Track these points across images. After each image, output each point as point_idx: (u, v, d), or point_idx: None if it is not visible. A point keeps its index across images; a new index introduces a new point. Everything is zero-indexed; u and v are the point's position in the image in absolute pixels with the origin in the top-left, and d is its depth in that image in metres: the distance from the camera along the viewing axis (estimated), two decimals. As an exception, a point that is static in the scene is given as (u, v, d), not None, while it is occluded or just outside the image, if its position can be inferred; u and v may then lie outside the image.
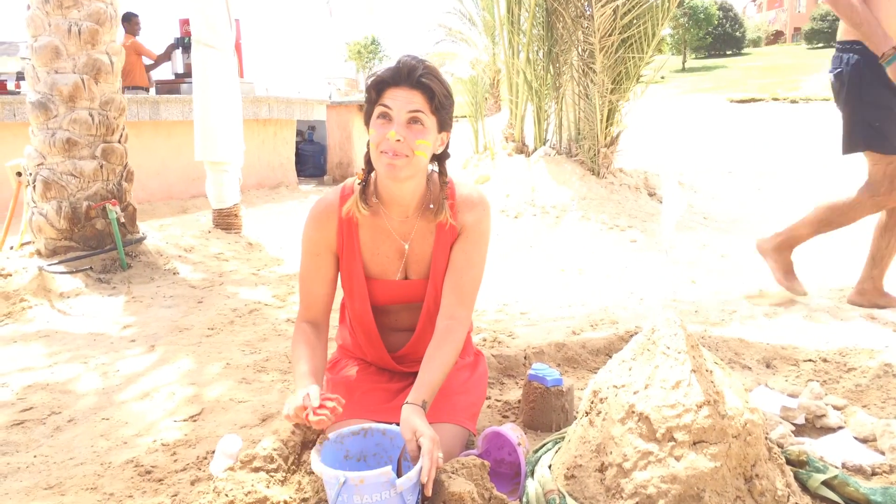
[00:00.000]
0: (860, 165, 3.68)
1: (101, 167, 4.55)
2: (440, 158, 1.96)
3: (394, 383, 2.13)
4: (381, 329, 2.10)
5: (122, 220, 4.63)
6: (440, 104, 1.82)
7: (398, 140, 1.77)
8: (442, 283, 1.99)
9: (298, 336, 1.98)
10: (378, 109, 1.81)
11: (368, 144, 1.88)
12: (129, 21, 9.62)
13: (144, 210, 7.15)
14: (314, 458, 1.59)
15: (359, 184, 1.93)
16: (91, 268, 4.37)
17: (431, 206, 1.97)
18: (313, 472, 1.94)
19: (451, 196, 1.98)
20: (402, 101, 1.78)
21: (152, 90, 9.63)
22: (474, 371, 2.19)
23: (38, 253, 4.52)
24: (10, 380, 2.88)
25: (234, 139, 5.95)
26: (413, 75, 1.78)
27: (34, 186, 4.48)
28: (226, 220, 6.11)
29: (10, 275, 4.21)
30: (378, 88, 1.81)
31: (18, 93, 8.33)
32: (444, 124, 1.87)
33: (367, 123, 1.87)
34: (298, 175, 11.60)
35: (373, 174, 1.95)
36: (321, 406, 1.66)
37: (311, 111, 11.64)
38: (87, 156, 4.51)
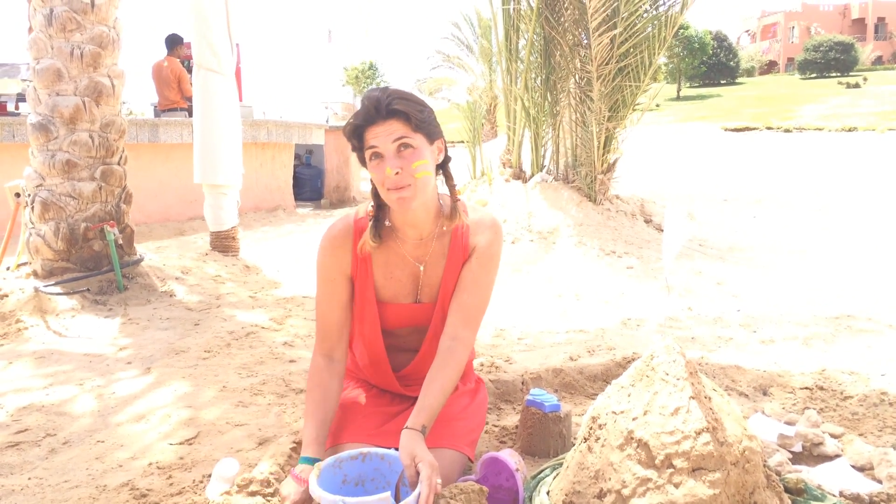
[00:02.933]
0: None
1: (100, 189, 4.56)
2: (442, 165, 1.97)
3: (394, 406, 2.13)
4: (386, 350, 2.10)
5: (120, 241, 4.63)
6: (419, 121, 1.82)
7: (397, 173, 1.79)
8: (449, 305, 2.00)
9: (312, 378, 1.98)
10: (368, 152, 1.82)
11: (373, 181, 1.90)
12: (182, 45, 9.61)
13: (142, 232, 7.16)
14: (312, 483, 1.59)
15: (369, 220, 1.95)
16: (88, 289, 4.36)
17: (444, 228, 1.98)
18: (310, 498, 1.94)
19: (464, 215, 2.00)
20: (383, 135, 1.79)
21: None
22: (474, 398, 2.19)
23: (35, 274, 4.51)
24: (4, 401, 2.86)
25: (233, 163, 5.98)
26: (381, 107, 1.78)
27: (32, 207, 4.48)
28: (223, 243, 6.11)
29: (7, 295, 4.20)
30: (357, 135, 1.83)
31: (18, 114, 8.36)
32: (432, 134, 1.88)
33: (363, 165, 1.89)
34: (296, 198, 11.62)
35: (383, 209, 1.97)
36: None
37: (309, 135, 11.70)
38: (87, 177, 4.52)
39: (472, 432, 2.08)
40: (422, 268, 2.00)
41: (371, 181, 1.91)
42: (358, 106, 1.90)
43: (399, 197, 1.82)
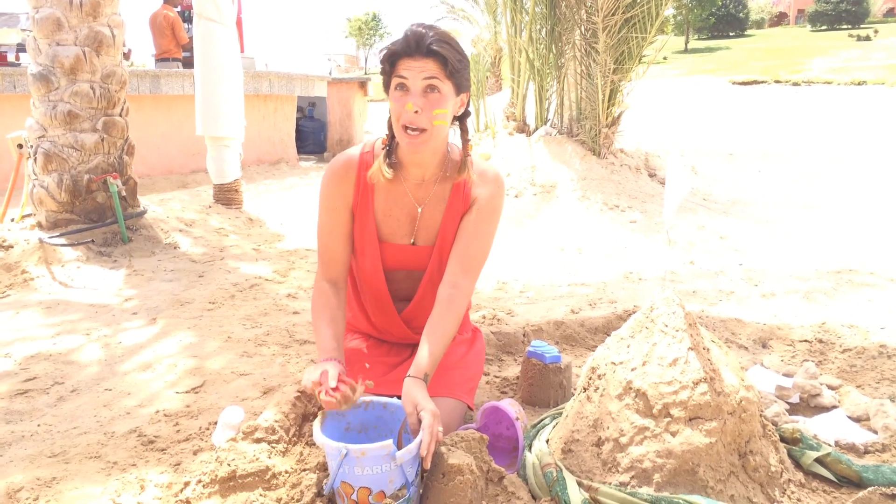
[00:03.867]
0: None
1: (102, 140, 4.55)
2: (461, 118, 1.98)
3: (392, 356, 2.15)
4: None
5: (123, 193, 4.63)
6: (454, 69, 1.82)
7: (416, 111, 1.79)
8: (448, 251, 2.00)
9: (319, 299, 1.99)
10: (394, 81, 1.82)
11: (390, 111, 1.91)
12: None
13: (144, 184, 7.15)
14: (316, 430, 1.61)
15: (383, 149, 1.95)
16: (92, 241, 4.38)
17: (447, 174, 1.99)
18: (314, 444, 1.97)
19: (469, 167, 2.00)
20: (416, 70, 1.79)
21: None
22: (472, 346, 2.22)
23: (40, 225, 4.53)
24: (12, 350, 2.90)
25: (235, 114, 5.94)
26: (423, 44, 1.78)
27: (35, 159, 4.48)
28: (226, 196, 6.11)
29: (12, 247, 4.22)
30: (391, 61, 1.82)
31: (19, 65, 8.28)
32: (461, 87, 1.88)
33: (385, 92, 1.89)
34: (299, 151, 11.57)
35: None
36: (336, 388, 1.68)
37: (312, 87, 11.58)
38: (89, 129, 4.51)
39: (471, 381, 2.11)
40: (420, 209, 2.01)
41: (389, 112, 1.92)
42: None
43: (410, 141, 1.83)
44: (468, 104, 1.96)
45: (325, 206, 2.01)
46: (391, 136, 1.95)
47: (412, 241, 2.04)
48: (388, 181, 1.96)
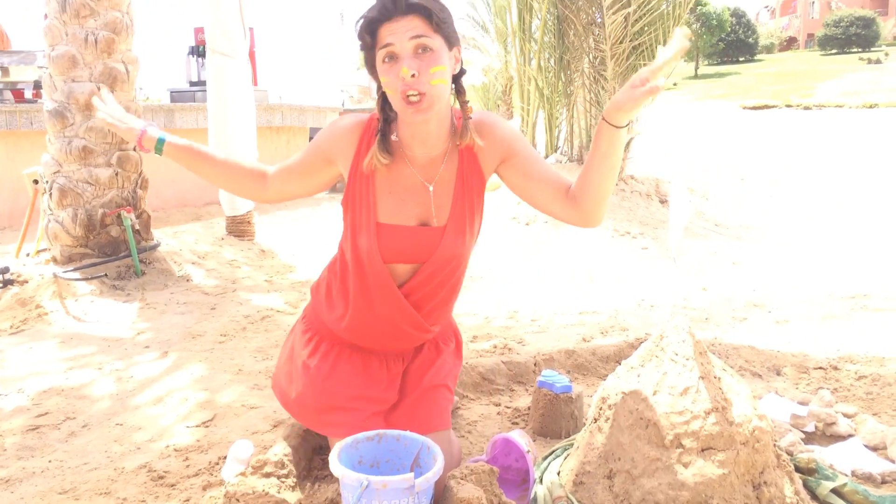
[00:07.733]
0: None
1: (117, 175, 4.60)
2: (457, 77, 1.79)
3: (378, 399, 1.97)
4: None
5: (137, 227, 4.67)
6: (440, 20, 1.66)
7: (413, 75, 1.63)
8: (460, 227, 1.85)
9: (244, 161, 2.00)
10: (380, 53, 1.67)
11: (380, 92, 1.77)
12: None
13: (159, 217, 7.21)
14: (334, 461, 1.59)
15: (375, 134, 1.80)
16: (106, 275, 4.41)
17: (458, 143, 1.84)
18: (324, 478, 1.96)
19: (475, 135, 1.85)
20: (400, 32, 1.63)
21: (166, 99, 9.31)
22: (456, 359, 2.17)
23: (54, 260, 4.57)
24: (25, 385, 2.91)
25: (248, 147, 6.00)
26: (400, 1, 1.63)
27: (50, 194, 4.53)
28: (239, 228, 6.15)
29: (27, 281, 4.25)
30: (371, 30, 1.67)
31: (35, 101, 8.42)
32: (451, 39, 1.72)
33: (371, 73, 1.74)
34: (311, 182, 11.63)
35: (390, 123, 1.83)
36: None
37: (324, 119, 11.68)
38: (103, 163, 4.56)
39: (452, 397, 2.08)
40: (431, 188, 1.84)
41: (378, 91, 1.78)
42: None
43: (415, 111, 1.67)
44: (461, 61, 1.78)
45: (310, 146, 1.90)
46: (383, 120, 1.80)
47: (422, 221, 1.85)
48: (391, 163, 1.80)
